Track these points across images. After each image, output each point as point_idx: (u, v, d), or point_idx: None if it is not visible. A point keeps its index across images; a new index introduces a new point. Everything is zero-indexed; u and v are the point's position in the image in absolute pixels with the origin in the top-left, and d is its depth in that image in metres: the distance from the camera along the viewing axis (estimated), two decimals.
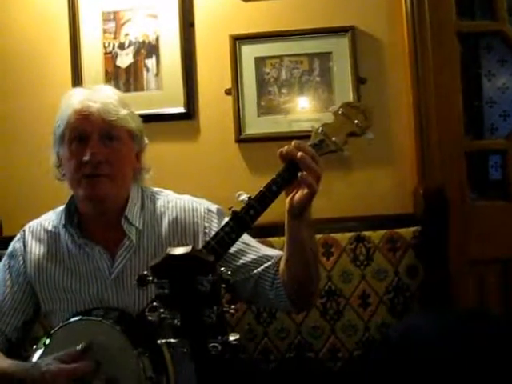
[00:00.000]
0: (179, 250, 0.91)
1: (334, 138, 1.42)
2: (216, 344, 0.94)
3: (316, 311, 2.08)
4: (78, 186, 1.53)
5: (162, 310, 0.95)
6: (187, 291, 0.91)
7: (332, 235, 2.12)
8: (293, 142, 1.37)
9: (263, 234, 1.87)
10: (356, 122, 1.45)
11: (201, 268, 0.90)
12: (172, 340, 0.96)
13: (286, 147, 1.37)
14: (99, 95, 1.54)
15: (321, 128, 1.43)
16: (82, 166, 1.50)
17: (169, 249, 0.92)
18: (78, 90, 1.59)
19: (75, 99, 1.53)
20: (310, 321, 2.08)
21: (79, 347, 1.38)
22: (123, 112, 1.53)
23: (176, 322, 0.94)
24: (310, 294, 1.56)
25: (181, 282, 0.91)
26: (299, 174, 1.34)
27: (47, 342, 1.47)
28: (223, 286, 0.92)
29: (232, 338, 0.95)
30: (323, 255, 2.09)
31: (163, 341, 0.97)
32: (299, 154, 1.34)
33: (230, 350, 0.96)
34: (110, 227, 1.58)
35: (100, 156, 1.49)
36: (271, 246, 1.86)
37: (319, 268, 1.64)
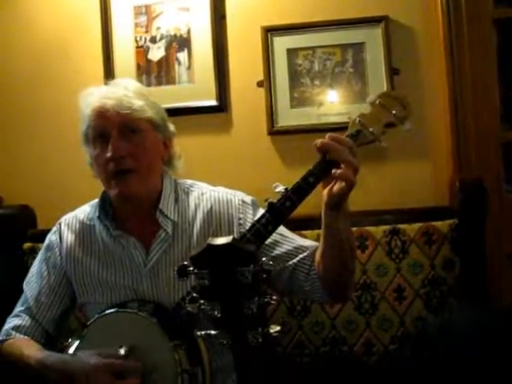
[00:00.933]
0: (220, 240, 0.90)
1: (371, 129, 1.40)
2: (256, 336, 0.93)
3: (351, 305, 2.05)
4: (108, 185, 1.54)
5: (201, 302, 0.94)
6: (228, 282, 0.90)
7: (367, 228, 2.09)
8: (327, 135, 1.35)
9: (296, 226, 1.84)
10: (394, 112, 1.42)
11: (242, 258, 0.89)
12: (212, 332, 0.95)
13: (321, 140, 1.35)
14: (114, 90, 1.54)
15: (358, 118, 1.41)
16: (107, 164, 1.51)
17: (209, 239, 0.91)
18: (94, 88, 1.58)
19: (92, 98, 1.54)
20: (344, 314, 2.06)
21: (122, 352, 1.38)
22: (139, 103, 1.53)
23: (216, 313, 0.93)
24: (346, 286, 1.54)
25: (221, 272, 0.90)
26: (335, 169, 1.32)
27: (83, 333, 1.48)
28: (264, 276, 0.91)
29: (273, 329, 0.94)
30: (358, 248, 2.05)
31: (203, 332, 0.96)
32: (335, 146, 1.32)
33: (270, 342, 0.95)
34: (145, 219, 1.58)
35: (121, 151, 1.49)
36: (305, 238, 1.84)
37: (355, 261, 1.62)
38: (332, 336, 2.07)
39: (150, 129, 1.56)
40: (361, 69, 2.30)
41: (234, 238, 0.90)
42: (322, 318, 2.06)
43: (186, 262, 0.94)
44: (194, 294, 0.94)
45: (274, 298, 0.93)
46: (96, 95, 1.54)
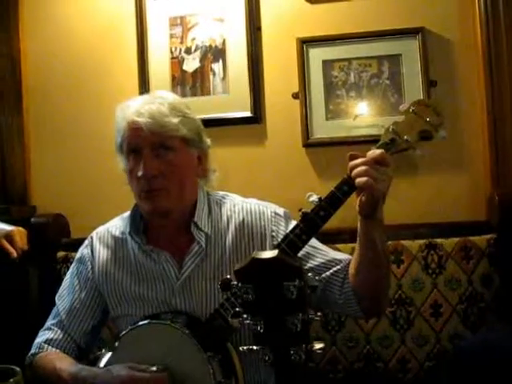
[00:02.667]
0: (265, 254, 0.88)
1: (405, 137, 1.38)
2: (300, 352, 0.91)
3: (386, 320, 2.02)
4: (140, 199, 1.54)
5: (244, 316, 0.92)
6: (272, 297, 0.88)
7: (402, 242, 2.06)
8: (348, 154, 1.36)
9: (328, 239, 1.82)
10: (428, 119, 1.40)
11: (287, 273, 0.87)
12: (254, 347, 0.93)
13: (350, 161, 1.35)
14: (150, 106, 1.51)
15: (392, 127, 1.40)
16: (139, 181, 1.50)
17: (254, 252, 0.89)
18: (131, 101, 1.57)
19: (128, 112, 1.52)
20: (379, 330, 2.03)
21: (153, 369, 1.37)
22: (173, 121, 1.50)
23: (259, 328, 0.91)
24: (381, 301, 1.52)
25: (266, 287, 0.88)
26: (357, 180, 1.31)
27: (116, 344, 1.47)
28: (309, 292, 0.89)
29: (317, 346, 0.92)
30: (393, 262, 2.03)
31: (245, 348, 0.95)
32: (359, 167, 1.32)
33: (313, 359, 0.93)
34: (177, 233, 1.58)
35: (153, 170, 1.48)
36: (338, 251, 1.82)
37: (390, 273, 1.60)
38: (366, 352, 2.04)
39: (184, 146, 1.53)
40: (397, 81, 2.28)
41: (279, 252, 0.88)
42: (356, 333, 2.04)
43: (229, 276, 0.92)
44: (237, 309, 0.92)
45: (319, 314, 0.91)
46: (131, 110, 1.52)
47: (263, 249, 1.51)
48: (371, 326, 2.03)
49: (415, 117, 1.40)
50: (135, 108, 1.51)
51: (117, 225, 1.68)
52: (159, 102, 1.53)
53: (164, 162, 1.50)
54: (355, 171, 1.31)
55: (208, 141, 1.62)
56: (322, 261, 1.52)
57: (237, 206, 1.62)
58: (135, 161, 1.51)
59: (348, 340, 2.04)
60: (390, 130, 1.39)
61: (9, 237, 2.14)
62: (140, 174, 1.48)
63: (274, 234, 1.55)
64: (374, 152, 1.33)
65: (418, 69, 2.26)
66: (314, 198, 1.34)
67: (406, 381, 2.02)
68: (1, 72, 2.52)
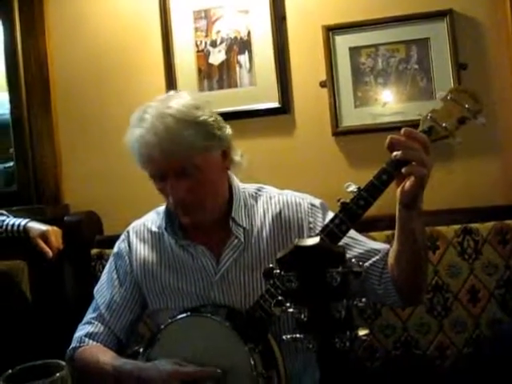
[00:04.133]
0: (308, 241, 0.88)
1: (444, 124, 1.35)
2: (344, 340, 0.90)
3: (422, 307, 2.00)
4: (174, 211, 1.55)
5: (287, 305, 0.91)
6: (316, 284, 0.88)
7: (437, 228, 2.04)
8: (402, 130, 1.31)
9: (364, 228, 1.81)
10: (466, 106, 1.37)
11: (331, 260, 0.86)
12: (298, 335, 0.92)
13: (392, 136, 1.31)
14: (156, 131, 1.42)
15: (429, 114, 1.37)
16: (169, 201, 1.51)
17: (296, 240, 0.89)
18: (134, 125, 1.48)
19: (137, 141, 1.45)
20: (416, 317, 2.01)
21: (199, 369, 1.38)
22: (186, 137, 1.42)
23: (303, 316, 0.91)
24: (420, 288, 1.50)
25: (309, 274, 0.88)
26: (406, 167, 1.28)
27: (157, 337, 1.48)
28: (353, 278, 0.88)
29: (362, 332, 0.91)
30: (429, 248, 1.99)
31: (289, 336, 0.94)
32: (406, 144, 1.28)
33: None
34: (214, 228, 1.57)
35: (180, 194, 1.46)
36: (373, 239, 1.80)
37: (428, 262, 1.58)
38: (404, 339, 2.02)
39: (205, 155, 1.47)
40: (426, 65, 2.24)
41: (321, 239, 0.87)
42: (393, 321, 2.02)
43: (271, 265, 0.91)
44: (280, 297, 0.92)
45: (363, 300, 0.90)
46: (141, 140, 1.44)
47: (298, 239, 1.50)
48: (408, 314, 2.01)
49: (453, 104, 1.38)
50: (144, 139, 1.44)
51: (152, 219, 1.67)
52: (164, 120, 1.43)
53: (191, 183, 1.46)
54: (410, 154, 1.27)
55: (227, 129, 1.55)
56: (361, 251, 1.50)
57: (273, 198, 1.61)
58: (162, 184, 1.49)
59: (385, 328, 2.02)
60: (428, 117, 1.37)
61: (44, 236, 2.17)
62: (170, 200, 1.49)
63: (311, 225, 1.54)
64: (423, 136, 1.31)
65: (447, 52, 2.22)
66: (353, 187, 1.32)
67: (444, 368, 2.00)
68: (28, 72, 2.54)
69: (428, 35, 2.24)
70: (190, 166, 1.45)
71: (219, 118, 1.54)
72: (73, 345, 1.62)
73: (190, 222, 1.53)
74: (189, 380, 1.35)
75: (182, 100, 1.49)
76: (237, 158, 1.59)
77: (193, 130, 1.44)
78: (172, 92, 1.58)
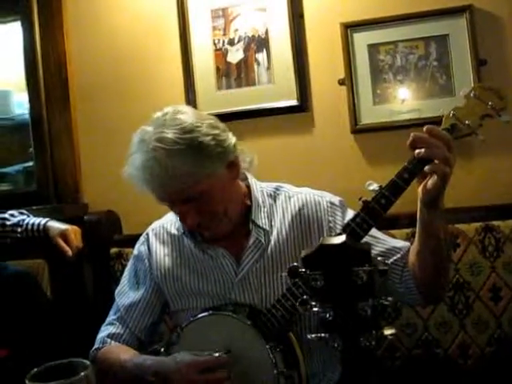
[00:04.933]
0: (333, 240, 0.87)
1: (467, 122, 1.34)
2: (370, 339, 0.89)
3: (443, 305, 1.98)
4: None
5: (312, 304, 0.91)
6: (341, 283, 0.87)
7: (458, 226, 2.02)
8: (425, 128, 1.30)
9: (384, 225, 1.80)
10: (490, 103, 1.36)
11: (356, 258, 0.86)
12: (323, 335, 0.92)
13: (415, 133, 1.30)
14: (152, 169, 1.39)
15: (452, 112, 1.36)
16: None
17: (321, 238, 0.88)
18: (130, 158, 1.47)
19: (136, 177, 1.44)
20: (437, 316, 1.99)
21: (217, 354, 1.37)
22: (183, 171, 1.38)
23: (328, 315, 0.90)
24: (441, 287, 1.50)
25: (335, 273, 0.87)
26: (429, 165, 1.27)
27: (178, 335, 1.48)
28: (379, 276, 0.87)
29: (388, 332, 0.90)
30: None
31: (313, 335, 0.93)
32: (429, 142, 1.27)
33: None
34: (234, 231, 1.55)
35: (190, 219, 1.47)
36: (393, 237, 1.79)
37: (451, 261, 1.56)
38: (425, 338, 2.00)
39: (207, 180, 1.43)
40: (445, 61, 2.22)
41: (347, 237, 0.86)
42: (413, 320, 2.00)
43: (296, 263, 0.91)
44: (305, 296, 0.91)
45: (389, 299, 0.90)
46: (139, 177, 1.43)
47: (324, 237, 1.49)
48: (429, 312, 1.99)
49: (477, 101, 1.36)
50: (141, 175, 1.42)
51: (171, 220, 1.67)
52: (158, 156, 1.38)
53: (199, 206, 1.45)
54: (434, 152, 1.26)
55: (230, 140, 1.48)
56: (382, 249, 1.49)
57: (292, 197, 1.59)
58: (172, 207, 1.50)
59: (405, 326, 2.01)
60: (451, 115, 1.35)
61: (64, 235, 2.18)
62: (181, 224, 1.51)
63: (331, 224, 1.53)
64: (446, 134, 1.29)
65: (466, 48, 2.20)
66: (374, 186, 1.31)
67: (466, 367, 1.98)
68: (47, 72, 2.56)
69: (447, 31, 2.22)
70: (192, 193, 1.43)
71: (219, 131, 1.46)
72: (96, 346, 1.63)
73: (210, 236, 1.54)
74: (205, 369, 1.35)
75: (176, 125, 1.42)
76: (246, 164, 1.56)
77: (189, 158, 1.39)
78: (168, 109, 1.49)
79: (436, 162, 1.26)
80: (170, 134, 1.39)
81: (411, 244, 1.47)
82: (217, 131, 1.45)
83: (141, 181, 1.44)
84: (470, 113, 1.35)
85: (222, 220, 1.50)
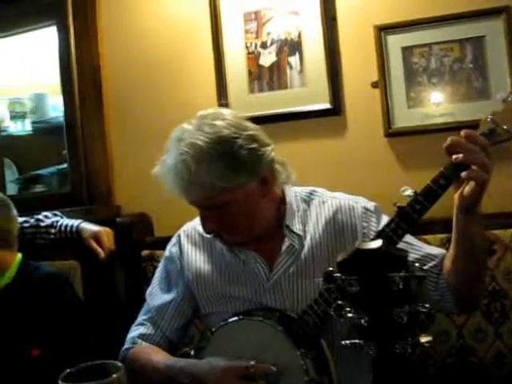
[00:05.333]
0: (369, 245, 0.86)
1: (505, 126, 1.31)
2: (405, 346, 0.88)
3: (479, 313, 1.94)
4: None
5: (347, 309, 0.89)
6: (377, 289, 0.85)
7: (494, 232, 1.97)
8: (462, 132, 1.27)
9: (418, 231, 1.77)
10: None
11: (393, 264, 0.84)
12: (357, 341, 0.90)
13: (452, 138, 1.27)
14: (176, 176, 1.41)
15: (490, 116, 1.33)
16: None
17: (358, 243, 0.88)
18: (159, 165, 1.50)
19: (164, 168, 1.47)
20: (472, 323, 1.95)
21: (252, 362, 1.36)
22: (210, 181, 1.38)
23: (363, 322, 0.89)
24: (477, 295, 1.47)
25: (371, 278, 0.85)
26: (467, 171, 1.24)
27: (209, 339, 1.47)
28: (416, 283, 0.86)
29: (424, 339, 0.88)
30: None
31: (347, 342, 0.92)
32: (467, 147, 1.24)
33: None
34: (267, 235, 1.55)
35: (213, 228, 1.48)
36: (427, 243, 1.76)
37: (487, 268, 1.53)
38: (459, 346, 1.97)
39: (233, 191, 1.42)
40: (481, 64, 2.18)
41: (383, 242, 0.85)
42: (448, 327, 1.97)
43: (331, 268, 0.90)
44: (340, 302, 0.90)
45: (426, 305, 0.88)
46: (166, 183, 1.47)
47: (360, 242, 1.47)
48: (464, 320, 1.95)
49: None
50: (168, 177, 1.45)
51: None
52: (187, 158, 1.38)
53: (222, 215, 1.45)
54: (472, 157, 1.24)
55: (268, 153, 1.45)
56: (417, 256, 1.46)
57: (326, 202, 1.58)
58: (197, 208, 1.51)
59: (439, 334, 1.97)
60: (489, 119, 1.32)
61: (96, 237, 2.21)
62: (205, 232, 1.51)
63: (365, 230, 1.50)
64: (483, 140, 1.27)
65: (503, 50, 2.15)
66: (409, 192, 1.29)
67: (502, 376, 1.93)
68: (82, 76, 2.58)
69: (484, 33, 2.18)
70: (215, 202, 1.43)
71: (257, 145, 1.43)
72: (126, 346, 1.64)
73: (232, 242, 1.54)
74: (241, 375, 1.34)
75: (212, 132, 1.40)
76: (281, 181, 1.52)
77: (218, 169, 1.38)
78: (210, 111, 1.49)
79: (474, 167, 1.24)
80: (203, 142, 1.39)
81: (447, 251, 1.44)
82: (255, 145, 1.42)
83: (168, 181, 1.45)
84: (508, 117, 1.32)
85: (243, 232, 1.50)
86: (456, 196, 1.30)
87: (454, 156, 1.25)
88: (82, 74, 2.58)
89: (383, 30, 2.25)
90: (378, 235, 1.30)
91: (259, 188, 1.47)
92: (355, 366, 1.52)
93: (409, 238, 1.48)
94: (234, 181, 1.40)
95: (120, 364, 0.99)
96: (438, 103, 2.21)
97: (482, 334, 1.95)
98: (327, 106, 2.31)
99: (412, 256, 1.46)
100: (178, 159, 1.40)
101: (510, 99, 1.34)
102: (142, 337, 1.62)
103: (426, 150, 2.14)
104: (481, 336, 1.95)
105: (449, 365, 1.97)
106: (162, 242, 1.79)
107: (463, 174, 1.24)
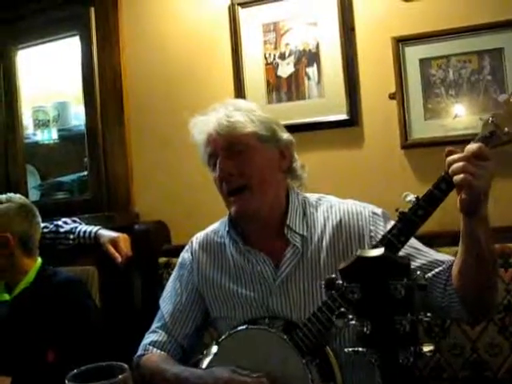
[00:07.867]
0: (371, 252, 0.86)
1: (506, 129, 1.30)
2: (408, 355, 0.88)
3: (494, 327, 1.91)
4: (227, 206, 1.58)
5: (350, 317, 0.90)
6: (379, 296, 0.86)
7: (509, 245, 1.95)
8: (446, 149, 1.31)
9: (425, 244, 1.76)
10: None
11: (395, 271, 0.85)
12: (360, 349, 0.91)
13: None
14: (216, 114, 1.58)
15: (491, 118, 1.33)
16: (221, 185, 1.56)
17: (359, 251, 0.88)
18: (200, 115, 1.63)
19: (199, 125, 1.60)
20: (486, 337, 1.92)
21: (255, 375, 1.38)
22: (239, 119, 1.55)
23: (365, 329, 0.89)
24: (488, 302, 1.45)
25: (373, 286, 0.86)
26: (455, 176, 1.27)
27: (215, 349, 1.49)
28: (418, 291, 0.86)
29: (426, 348, 0.88)
30: (500, 266, 1.91)
31: (350, 349, 0.92)
32: (449, 160, 1.29)
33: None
34: (273, 235, 1.59)
35: (228, 168, 1.53)
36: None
37: (498, 275, 1.52)
38: (473, 360, 1.94)
39: (257, 142, 1.56)
40: (500, 76, 2.16)
41: (385, 250, 0.85)
42: (461, 340, 1.94)
43: (333, 275, 0.90)
44: (342, 309, 0.90)
45: (429, 314, 0.88)
46: (203, 122, 1.59)
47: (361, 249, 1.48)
48: (478, 333, 1.93)
49: None
50: (205, 120, 1.59)
51: (215, 229, 1.72)
52: (225, 107, 1.59)
53: (239, 161, 1.53)
54: (452, 168, 1.27)
55: (286, 135, 1.63)
56: (424, 262, 1.47)
57: (333, 206, 1.61)
58: (214, 167, 1.56)
59: (453, 347, 1.95)
60: (490, 122, 1.32)
61: (114, 242, 2.24)
62: (216, 175, 1.55)
63: (372, 234, 1.53)
64: (472, 146, 1.27)
65: None
66: (411, 197, 1.31)
67: None
68: (104, 84, 2.64)
69: (502, 45, 2.16)
70: (239, 144, 1.53)
71: (278, 123, 1.64)
72: (138, 353, 1.67)
73: (239, 211, 1.55)
74: None
75: (244, 101, 1.73)
76: (296, 166, 1.63)
77: (247, 118, 1.56)
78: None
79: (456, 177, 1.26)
80: (245, 103, 1.68)
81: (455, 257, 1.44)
82: (277, 128, 1.62)
83: (203, 123, 1.59)
84: (509, 120, 1.32)
85: (252, 189, 1.53)
86: (458, 199, 1.30)
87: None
88: (103, 83, 2.63)
89: (401, 42, 2.25)
90: (381, 241, 1.32)
91: (278, 159, 1.60)
92: (365, 371, 1.52)
93: (416, 243, 1.50)
94: (259, 130, 1.55)
95: (126, 366, 1.00)
96: (455, 115, 2.20)
97: (497, 348, 1.92)
98: (344, 116, 2.31)
99: (419, 261, 1.47)
100: (224, 106, 1.61)
101: (511, 101, 1.34)
102: (153, 344, 1.66)
103: (443, 162, 2.12)
104: (495, 350, 1.92)
105: (463, 379, 1.95)
106: (179, 250, 1.82)
107: (453, 178, 1.26)
